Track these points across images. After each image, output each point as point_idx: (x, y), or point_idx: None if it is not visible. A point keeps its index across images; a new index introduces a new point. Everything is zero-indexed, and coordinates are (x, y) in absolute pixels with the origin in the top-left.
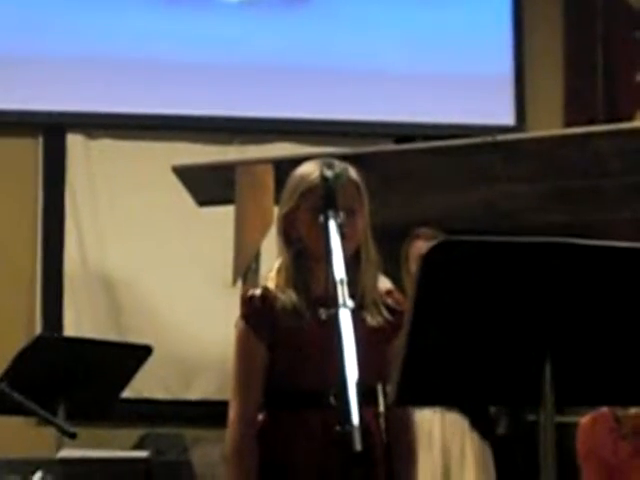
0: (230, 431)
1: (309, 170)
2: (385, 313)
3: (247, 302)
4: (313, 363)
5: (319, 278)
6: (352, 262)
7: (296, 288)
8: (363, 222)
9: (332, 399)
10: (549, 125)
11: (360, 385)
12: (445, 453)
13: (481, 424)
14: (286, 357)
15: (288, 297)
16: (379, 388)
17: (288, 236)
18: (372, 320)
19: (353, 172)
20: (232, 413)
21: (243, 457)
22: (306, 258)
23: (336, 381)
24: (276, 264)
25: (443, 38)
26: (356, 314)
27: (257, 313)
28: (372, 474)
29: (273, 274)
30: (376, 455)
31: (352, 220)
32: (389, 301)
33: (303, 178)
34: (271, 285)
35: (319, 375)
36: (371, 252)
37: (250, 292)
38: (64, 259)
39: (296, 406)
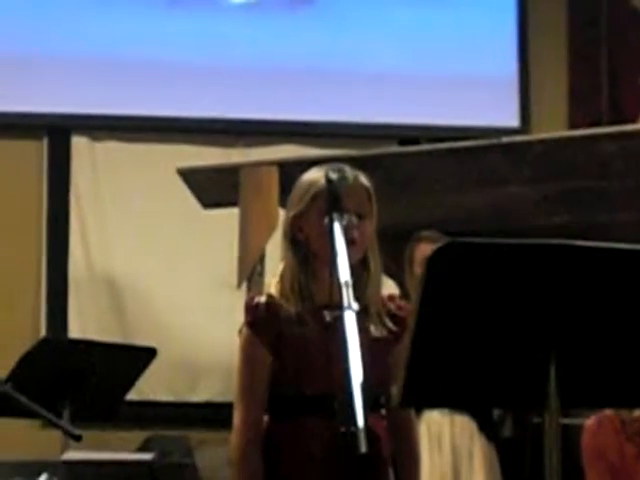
0: (235, 437)
1: (320, 175)
2: (388, 323)
3: (252, 309)
4: (318, 369)
5: (324, 283)
6: (358, 269)
7: (300, 295)
8: (371, 229)
9: (337, 405)
10: (553, 127)
11: (364, 392)
12: (454, 455)
13: (487, 427)
14: (291, 364)
15: (292, 305)
16: (382, 394)
17: (294, 239)
18: (375, 331)
19: (364, 179)
20: (237, 419)
21: (249, 463)
22: (311, 262)
23: (341, 387)
24: (279, 268)
25: (448, 40)
26: (360, 323)
27: (262, 320)
28: (379, 476)
29: (276, 280)
30: (383, 457)
31: (361, 225)
32: (391, 306)
33: (314, 182)
34: (274, 291)
35: (324, 381)
36: (377, 261)
37: (255, 300)
38: (69, 261)
39: (301, 412)
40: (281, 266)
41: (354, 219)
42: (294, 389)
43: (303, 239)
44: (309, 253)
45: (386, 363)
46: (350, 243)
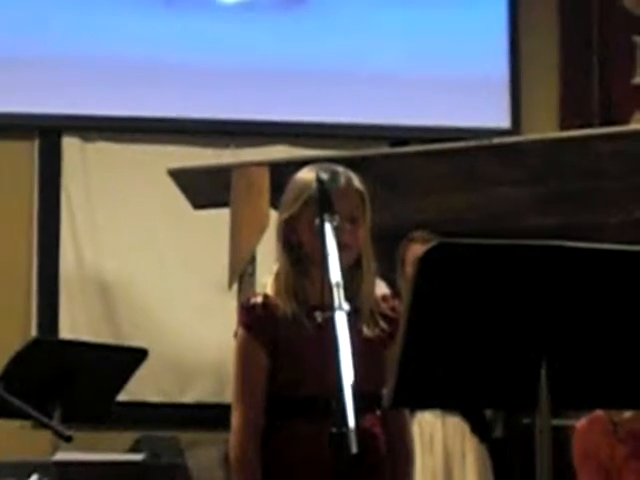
0: (234, 438)
1: (313, 176)
2: (381, 323)
3: (249, 310)
4: (313, 371)
5: (317, 285)
6: (352, 271)
7: (295, 296)
8: (365, 232)
9: (333, 405)
10: (544, 128)
11: (359, 392)
12: (446, 456)
13: (479, 428)
14: (286, 365)
15: (288, 306)
16: (376, 395)
17: (288, 241)
18: (368, 331)
19: (357, 181)
20: (236, 420)
21: (248, 463)
22: (305, 264)
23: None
24: (274, 269)
25: (439, 41)
26: (353, 323)
27: (259, 321)
28: (376, 476)
29: (271, 280)
30: (380, 457)
31: (354, 229)
32: (384, 307)
33: (307, 185)
34: (269, 292)
35: (319, 382)
36: (372, 263)
37: (252, 300)
38: (60, 262)
39: (296, 414)
40: (276, 266)
41: (347, 224)
42: (289, 390)
43: (296, 241)
44: (302, 255)
45: (379, 363)
46: (340, 247)
